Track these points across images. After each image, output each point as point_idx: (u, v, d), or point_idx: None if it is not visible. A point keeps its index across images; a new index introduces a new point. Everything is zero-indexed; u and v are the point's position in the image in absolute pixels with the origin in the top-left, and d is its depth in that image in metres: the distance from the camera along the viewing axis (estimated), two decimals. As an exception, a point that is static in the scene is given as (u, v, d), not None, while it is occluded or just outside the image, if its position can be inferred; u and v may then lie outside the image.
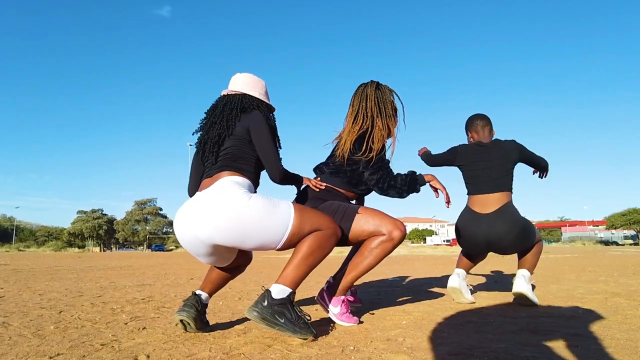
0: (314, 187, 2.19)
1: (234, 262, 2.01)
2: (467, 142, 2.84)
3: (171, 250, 57.39)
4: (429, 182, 2.27)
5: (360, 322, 2.08)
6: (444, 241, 68.40)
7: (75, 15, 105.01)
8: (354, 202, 2.36)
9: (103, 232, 65.36)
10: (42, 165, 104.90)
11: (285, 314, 1.69)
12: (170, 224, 71.40)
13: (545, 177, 2.84)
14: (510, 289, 3.39)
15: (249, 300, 3.07)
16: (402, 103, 2.37)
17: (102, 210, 68.35)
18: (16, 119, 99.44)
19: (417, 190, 2.26)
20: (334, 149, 2.36)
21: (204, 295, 1.99)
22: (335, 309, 2.06)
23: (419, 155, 3.08)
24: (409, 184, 2.21)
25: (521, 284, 2.59)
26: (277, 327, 1.68)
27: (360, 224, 2.06)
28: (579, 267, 6.54)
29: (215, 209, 1.72)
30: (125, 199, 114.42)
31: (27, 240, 67.90)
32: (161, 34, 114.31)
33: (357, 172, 2.23)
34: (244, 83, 2.07)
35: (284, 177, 1.99)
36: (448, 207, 2.32)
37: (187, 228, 1.79)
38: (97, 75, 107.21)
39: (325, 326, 1.99)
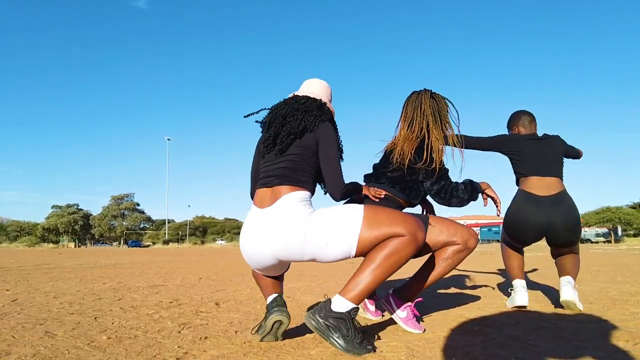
0: (373, 198, 2.10)
1: None
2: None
3: (148, 246, 56.46)
4: (484, 190, 2.24)
5: (424, 330, 1.99)
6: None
7: (48, 7, 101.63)
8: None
9: (79, 228, 63.74)
10: (13, 158, 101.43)
11: (341, 329, 1.57)
12: (148, 219, 70.28)
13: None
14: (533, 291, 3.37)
15: (295, 301, 2.92)
16: (457, 111, 2.30)
17: (78, 205, 66.64)
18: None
19: (476, 199, 2.22)
20: (386, 157, 2.27)
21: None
22: (402, 313, 1.98)
23: None
24: (470, 193, 2.17)
25: (569, 291, 2.53)
26: (330, 341, 1.57)
27: (435, 234, 2.00)
28: (584, 266, 6.61)
29: (281, 231, 1.66)
30: (100, 193, 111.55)
31: (-2, 235, 65.73)
32: (138, 26, 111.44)
33: (417, 183, 2.17)
34: (321, 90, 1.97)
35: (345, 194, 1.86)
36: (498, 216, 2.30)
37: (255, 247, 1.73)
38: (71, 68, 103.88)
39: (395, 334, 1.90)
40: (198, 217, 75.43)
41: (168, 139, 64.53)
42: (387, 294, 2.09)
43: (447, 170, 2.17)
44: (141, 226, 69.29)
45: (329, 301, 1.63)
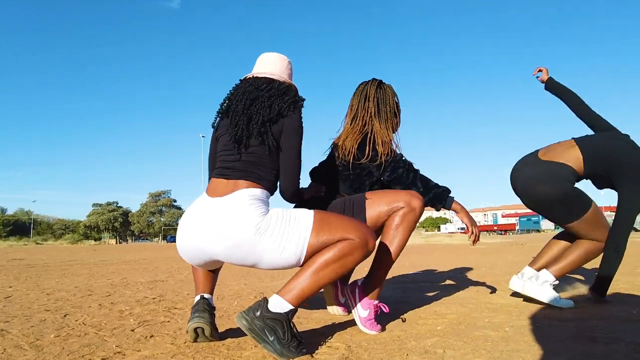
0: (315, 193, 2.03)
1: None
2: None
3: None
4: (454, 210, 2.06)
5: (383, 330, 1.87)
6: (458, 229, 67.78)
7: (83, 8, 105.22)
8: None
9: (118, 225, 66.14)
10: (55, 159, 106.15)
11: (277, 331, 1.46)
12: (185, 215, 72.01)
13: None
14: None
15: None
16: (398, 103, 2.20)
17: (117, 203, 69.12)
18: (27, 114, 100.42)
19: (437, 208, 2.06)
20: (332, 153, 2.18)
21: (209, 297, 1.76)
22: (364, 312, 1.84)
23: (535, 75, 2.70)
24: (434, 196, 2.02)
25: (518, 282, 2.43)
26: (263, 344, 1.46)
27: (375, 207, 1.90)
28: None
29: (227, 228, 1.51)
30: (138, 191, 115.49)
31: (45, 233, 69.16)
32: (171, 26, 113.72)
33: (361, 177, 2.08)
34: (283, 67, 1.81)
35: (297, 196, 1.75)
36: (473, 245, 2.10)
37: (191, 240, 1.60)
38: (108, 68, 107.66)
39: (336, 333, 1.79)
40: (232, 212, 76.68)
41: (202, 136, 65.42)
42: (353, 284, 1.94)
43: (400, 157, 2.05)
44: (178, 222, 71.16)
45: (265, 300, 1.53)
